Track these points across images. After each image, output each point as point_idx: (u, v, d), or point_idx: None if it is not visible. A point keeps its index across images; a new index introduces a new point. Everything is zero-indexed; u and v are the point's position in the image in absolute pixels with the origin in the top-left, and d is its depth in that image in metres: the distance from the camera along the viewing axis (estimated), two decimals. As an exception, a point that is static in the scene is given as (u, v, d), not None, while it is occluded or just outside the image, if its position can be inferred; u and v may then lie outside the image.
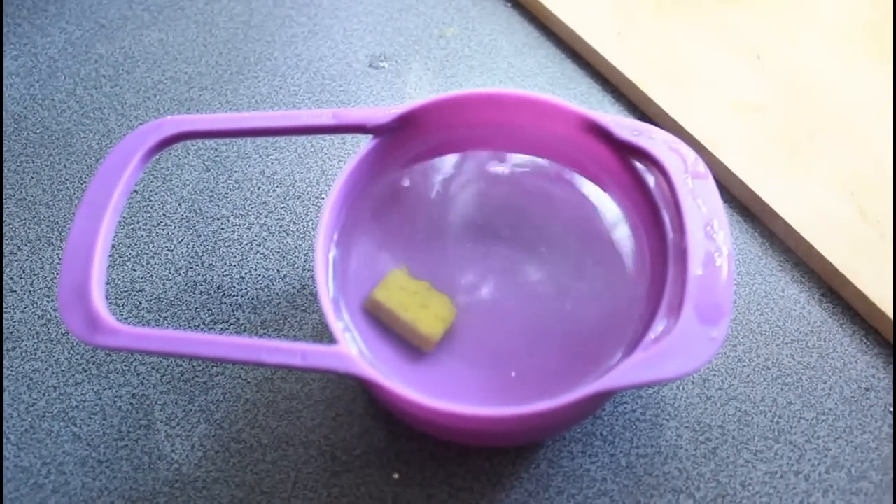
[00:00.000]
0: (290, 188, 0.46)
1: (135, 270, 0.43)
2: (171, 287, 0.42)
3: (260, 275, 0.42)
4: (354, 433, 0.38)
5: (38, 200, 0.45)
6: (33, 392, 0.39)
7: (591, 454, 0.37)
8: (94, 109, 0.50)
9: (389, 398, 0.32)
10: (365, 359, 0.34)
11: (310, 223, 0.44)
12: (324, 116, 0.38)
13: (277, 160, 0.47)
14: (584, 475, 0.36)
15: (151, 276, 0.43)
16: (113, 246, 0.43)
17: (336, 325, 0.32)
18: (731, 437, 0.37)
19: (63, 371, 0.39)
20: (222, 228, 0.44)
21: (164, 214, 0.45)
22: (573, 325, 0.36)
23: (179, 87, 0.51)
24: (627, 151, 0.37)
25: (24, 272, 0.43)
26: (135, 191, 0.46)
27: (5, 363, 0.40)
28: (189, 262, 0.43)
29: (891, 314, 0.39)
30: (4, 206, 0.45)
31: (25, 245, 0.44)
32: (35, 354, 0.40)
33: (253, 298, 0.42)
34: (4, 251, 0.43)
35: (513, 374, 0.35)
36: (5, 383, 0.39)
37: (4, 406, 0.38)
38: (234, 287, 0.42)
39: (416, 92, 0.50)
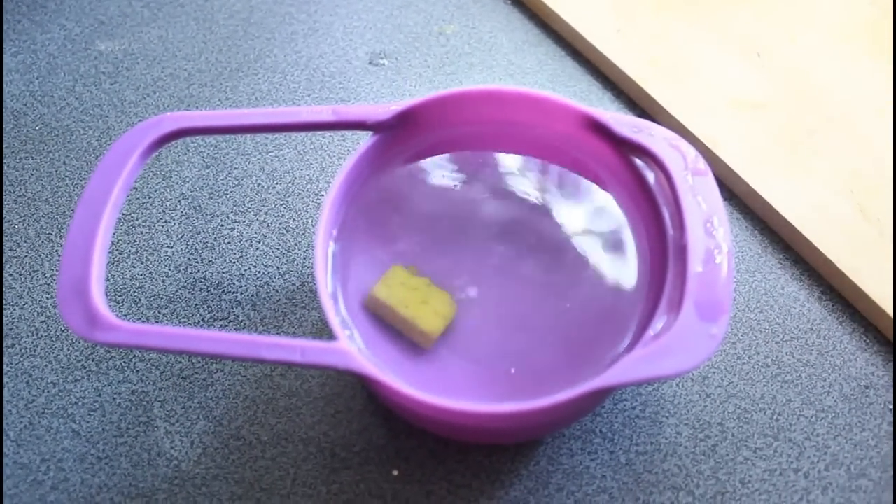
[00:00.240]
0: (290, 185, 0.46)
1: (134, 267, 0.43)
2: (171, 284, 0.42)
3: (259, 271, 0.42)
4: (354, 430, 0.38)
5: (37, 197, 0.45)
6: (32, 388, 0.39)
7: (590, 451, 0.37)
8: (94, 106, 0.50)
9: (389, 395, 0.32)
10: (364, 355, 0.34)
11: (309, 220, 0.44)
12: (324, 113, 0.38)
13: (277, 157, 0.47)
14: (584, 472, 0.36)
15: (151, 272, 0.43)
16: (112, 243, 0.43)
17: (335, 322, 0.32)
18: (731, 434, 0.37)
19: (62, 367, 0.39)
20: (222, 225, 0.44)
21: (163, 211, 0.45)
22: (573, 321, 0.36)
23: (179, 83, 0.51)
24: (627, 148, 0.37)
25: (23, 269, 0.43)
26: (134, 187, 0.46)
27: (5, 360, 0.40)
28: (188, 258, 0.43)
29: (890, 312, 0.39)
30: (4, 202, 0.45)
31: (25, 241, 0.44)
32: (34, 351, 0.40)
33: (252, 295, 0.42)
34: (4, 248, 0.43)
35: (512, 370, 0.35)
36: (5, 380, 0.39)
37: (4, 402, 0.38)
38: (234, 284, 0.42)
39: (416, 89, 0.50)
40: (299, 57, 0.52)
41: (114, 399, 0.38)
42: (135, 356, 0.40)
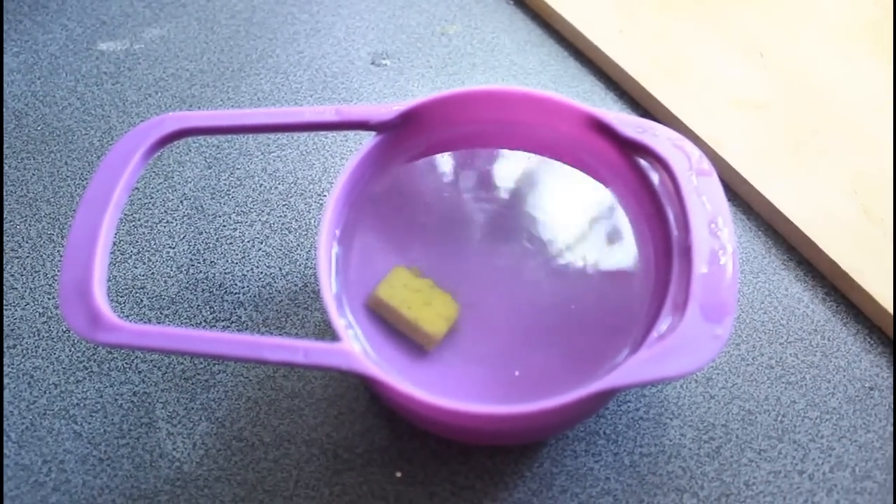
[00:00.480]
0: (293, 185, 0.46)
1: (136, 268, 0.43)
2: (173, 284, 0.42)
3: (262, 272, 0.42)
4: (357, 431, 0.37)
5: (39, 197, 0.45)
6: (34, 390, 0.39)
7: (594, 453, 0.37)
8: (96, 106, 0.49)
9: (392, 396, 0.32)
10: (367, 356, 0.34)
11: (312, 220, 0.44)
12: (326, 113, 0.38)
13: (279, 157, 0.47)
14: (588, 474, 0.36)
15: (153, 273, 0.42)
16: (114, 243, 0.43)
17: (339, 323, 0.32)
18: (735, 436, 0.37)
19: (64, 368, 0.39)
20: (224, 226, 0.44)
21: (165, 211, 0.45)
22: (577, 323, 0.36)
23: (181, 83, 0.51)
24: (631, 149, 0.37)
25: (25, 269, 0.42)
26: (136, 188, 0.46)
27: (6, 361, 0.40)
28: (191, 259, 0.43)
29: (894, 312, 0.39)
30: (5, 203, 0.45)
31: (27, 242, 0.43)
32: (36, 352, 0.40)
33: (255, 296, 0.41)
34: (5, 248, 0.43)
35: (516, 372, 0.35)
36: (6, 381, 0.39)
37: (5, 404, 0.38)
38: (236, 284, 0.42)
39: (418, 89, 0.50)
40: (301, 57, 0.52)
41: (116, 400, 0.38)
42: (137, 357, 0.40)
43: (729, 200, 0.44)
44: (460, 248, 0.38)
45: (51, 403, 0.38)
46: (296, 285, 0.42)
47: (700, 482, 0.36)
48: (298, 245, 0.43)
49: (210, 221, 0.44)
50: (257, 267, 0.43)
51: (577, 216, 0.39)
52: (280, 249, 0.43)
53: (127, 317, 0.41)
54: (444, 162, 0.40)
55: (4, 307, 0.41)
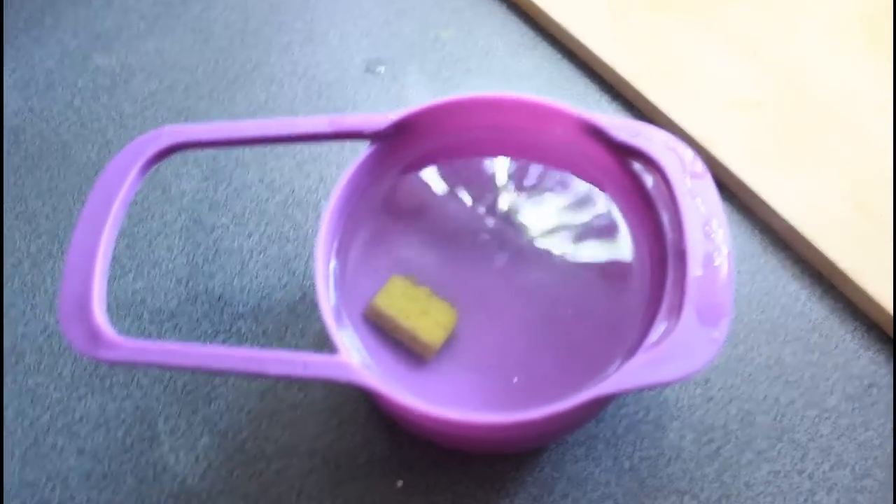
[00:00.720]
0: (289, 196, 0.46)
1: (136, 282, 0.43)
2: (173, 298, 0.42)
3: (261, 283, 0.42)
4: (358, 441, 0.38)
5: (38, 213, 0.46)
6: (37, 406, 0.39)
7: (594, 457, 0.37)
8: (92, 120, 0.50)
9: (391, 406, 0.33)
10: (366, 367, 0.34)
11: (309, 230, 0.44)
12: (321, 124, 0.38)
13: (276, 168, 0.47)
14: (588, 479, 0.36)
15: (152, 287, 0.43)
16: (113, 258, 0.43)
17: (337, 334, 0.32)
18: (735, 437, 0.37)
19: (66, 385, 0.40)
20: (222, 238, 0.44)
21: (163, 225, 0.45)
22: (574, 329, 0.36)
23: (177, 96, 0.51)
24: (625, 153, 0.37)
25: (25, 286, 0.43)
26: (134, 202, 0.46)
27: (9, 378, 0.40)
28: (189, 272, 0.43)
29: (891, 310, 0.39)
30: (4, 219, 0.45)
31: (27, 258, 0.44)
32: (38, 369, 0.40)
33: (254, 308, 0.42)
34: (5, 265, 0.43)
35: (515, 379, 0.35)
36: (9, 398, 0.39)
37: (8, 421, 0.39)
38: (235, 297, 0.42)
39: (413, 96, 0.50)
40: (296, 66, 0.52)
41: (118, 415, 0.39)
42: (138, 372, 0.40)
43: (725, 200, 0.44)
44: (457, 255, 0.38)
45: (54, 420, 0.39)
46: (295, 296, 0.42)
47: (700, 484, 0.36)
48: (296, 255, 0.43)
49: (208, 233, 0.44)
50: (256, 278, 0.43)
51: (572, 222, 0.39)
52: (278, 260, 0.43)
53: (127, 331, 0.41)
54: (439, 170, 0.40)
55: (6, 324, 0.41)
